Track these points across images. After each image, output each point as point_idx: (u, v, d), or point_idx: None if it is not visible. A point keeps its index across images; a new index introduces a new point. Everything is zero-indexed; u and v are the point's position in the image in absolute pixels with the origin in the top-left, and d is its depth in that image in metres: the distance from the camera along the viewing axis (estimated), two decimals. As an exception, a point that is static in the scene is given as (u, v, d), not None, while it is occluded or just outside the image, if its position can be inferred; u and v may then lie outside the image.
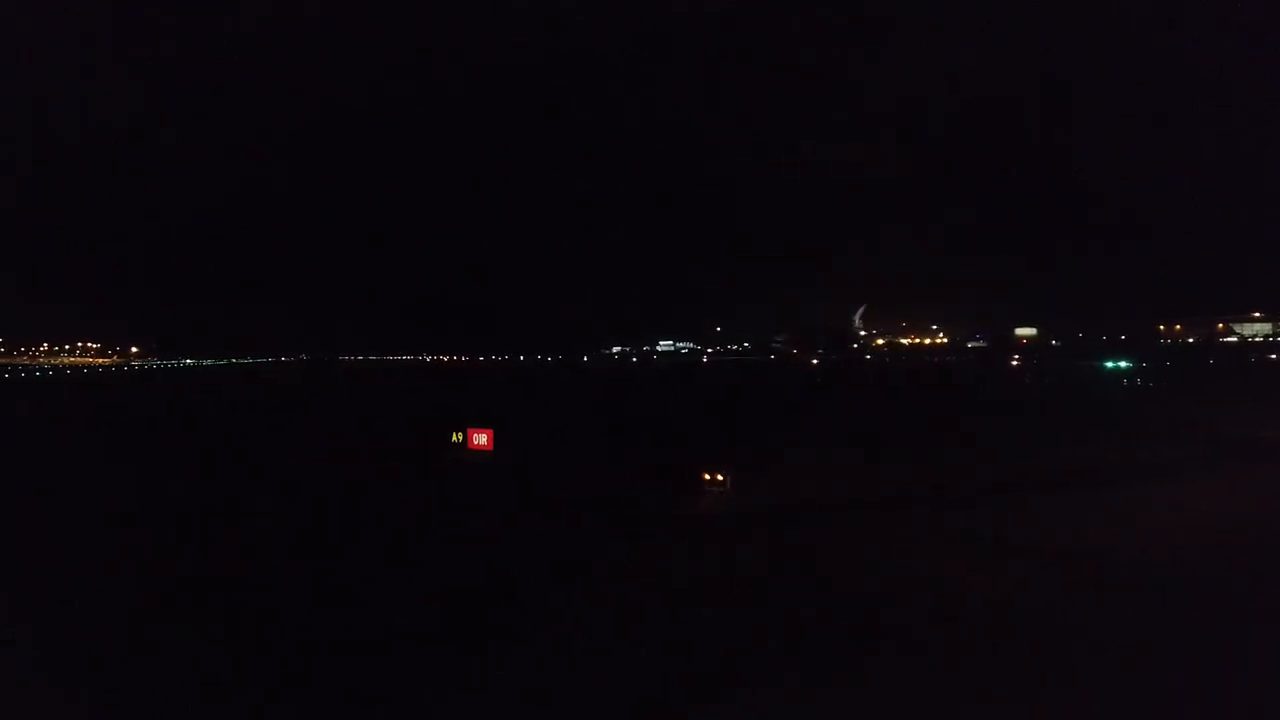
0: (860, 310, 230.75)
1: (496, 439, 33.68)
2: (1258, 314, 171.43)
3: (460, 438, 34.23)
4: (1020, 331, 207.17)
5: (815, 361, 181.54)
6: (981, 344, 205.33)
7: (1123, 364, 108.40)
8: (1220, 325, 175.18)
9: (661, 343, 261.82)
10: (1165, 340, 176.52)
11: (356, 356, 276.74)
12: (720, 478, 26.25)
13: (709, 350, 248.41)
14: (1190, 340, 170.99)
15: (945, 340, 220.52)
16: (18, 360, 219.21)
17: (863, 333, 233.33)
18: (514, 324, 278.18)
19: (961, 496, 25.71)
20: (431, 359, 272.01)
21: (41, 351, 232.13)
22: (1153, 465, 30.35)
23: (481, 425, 34.41)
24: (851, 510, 24.26)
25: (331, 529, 22.59)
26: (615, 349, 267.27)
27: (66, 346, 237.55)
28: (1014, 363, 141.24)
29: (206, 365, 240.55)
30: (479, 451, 33.40)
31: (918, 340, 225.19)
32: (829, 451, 35.77)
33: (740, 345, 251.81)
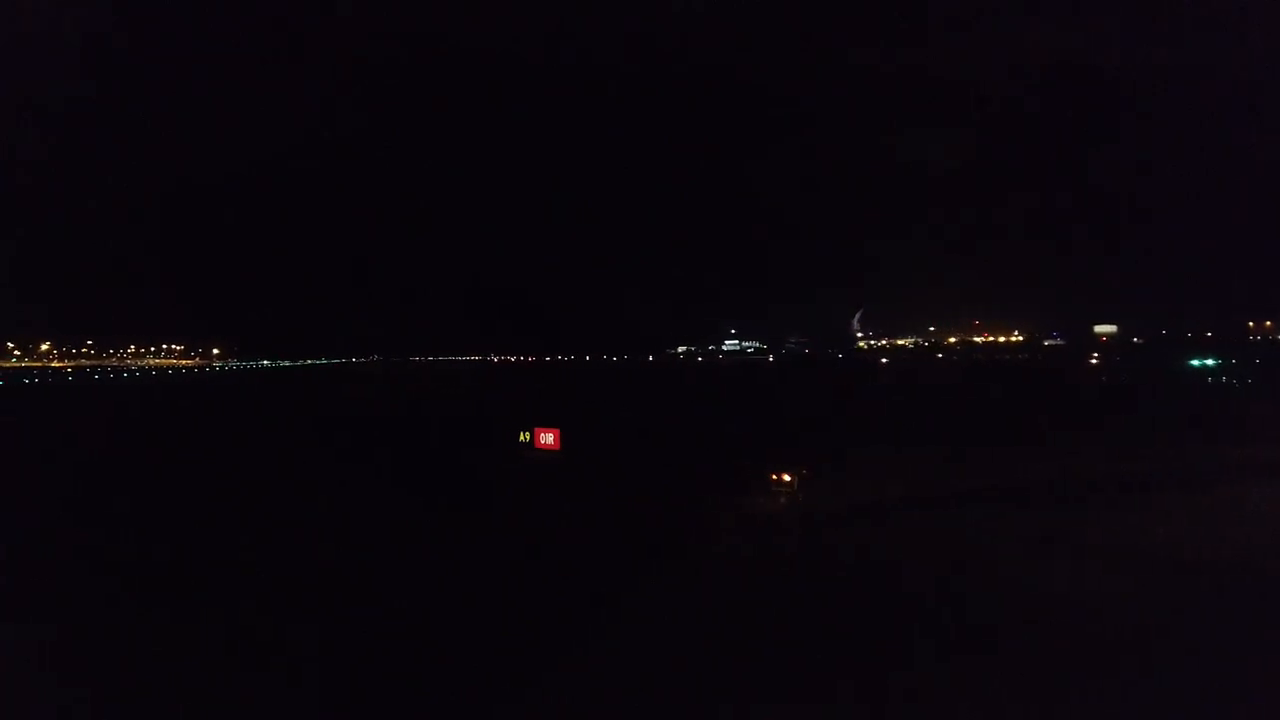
0: (858, 314, 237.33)
1: (563, 438, 33.63)
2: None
3: (527, 437, 34.32)
4: (1100, 329, 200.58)
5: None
6: (1059, 342, 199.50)
7: (1209, 362, 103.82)
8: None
9: (727, 343, 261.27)
10: (1255, 338, 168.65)
11: (427, 357, 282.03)
12: (788, 477, 25.66)
13: (778, 351, 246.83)
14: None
15: (1021, 338, 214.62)
16: (106, 361, 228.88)
17: (859, 334, 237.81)
18: (580, 325, 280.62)
19: (1037, 496, 24.62)
20: (498, 359, 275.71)
21: (128, 353, 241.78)
22: (1238, 467, 28.62)
23: (548, 425, 34.42)
24: (922, 510, 23.45)
25: (413, 526, 22.71)
26: (680, 349, 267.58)
27: (152, 348, 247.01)
28: (1093, 361, 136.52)
29: (284, 366, 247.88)
30: (546, 451, 33.41)
31: (991, 338, 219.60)
32: (898, 450, 34.76)
33: (806, 346, 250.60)
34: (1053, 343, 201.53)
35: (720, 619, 14.43)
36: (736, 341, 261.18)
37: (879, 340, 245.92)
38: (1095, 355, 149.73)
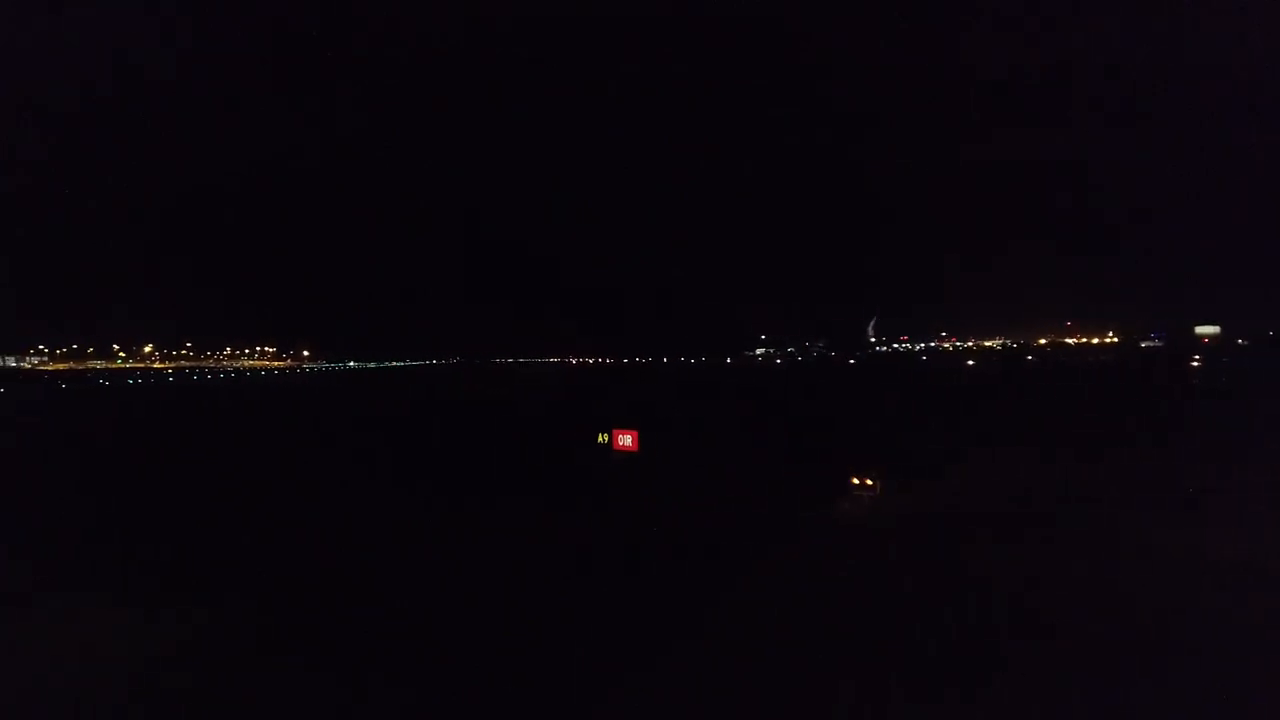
0: (873, 321, 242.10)
1: (641, 440, 33.48)
2: None
3: (605, 438, 34.24)
4: (1201, 329, 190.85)
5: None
6: (1156, 343, 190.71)
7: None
8: None
9: (871, 339, 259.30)
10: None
11: (507, 359, 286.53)
12: (870, 481, 24.99)
13: (856, 352, 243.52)
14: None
15: (1116, 339, 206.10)
16: (204, 363, 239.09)
17: (873, 339, 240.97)
18: (658, 326, 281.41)
19: (1127, 505, 23.31)
20: (577, 361, 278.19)
21: (225, 355, 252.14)
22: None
23: (626, 426, 34.32)
24: (1008, 518, 22.51)
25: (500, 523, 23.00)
26: (759, 351, 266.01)
27: (246, 350, 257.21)
28: (1193, 363, 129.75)
29: (370, 368, 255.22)
30: (624, 452, 33.30)
31: (1084, 340, 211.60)
32: (982, 456, 33.57)
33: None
34: (1150, 344, 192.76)
35: (797, 627, 14.07)
36: (823, 343, 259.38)
37: (964, 341, 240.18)
38: (1197, 357, 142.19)
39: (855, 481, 25.33)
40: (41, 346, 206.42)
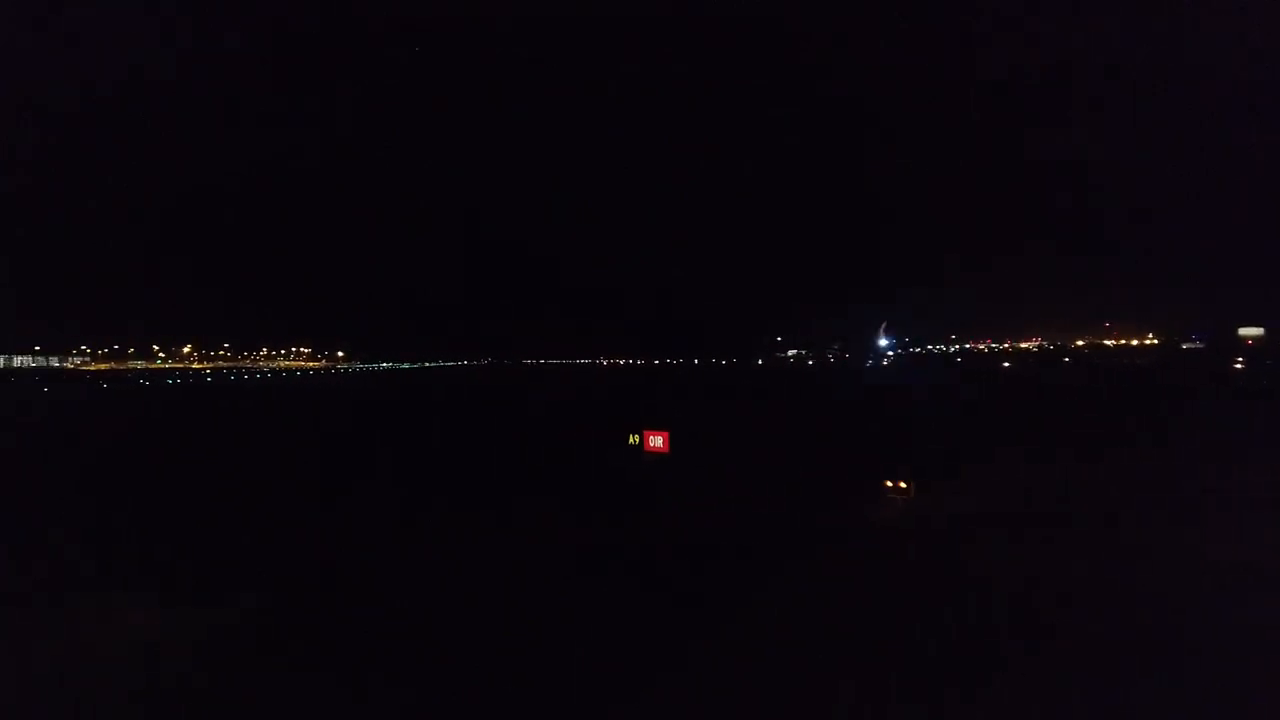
0: (884, 325, 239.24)
1: (672, 441, 33.36)
2: None
3: (636, 440, 34.16)
4: (1245, 331, 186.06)
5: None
6: (1198, 345, 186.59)
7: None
8: None
9: (882, 343, 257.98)
10: None
11: (538, 360, 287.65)
12: (903, 484, 24.65)
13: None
14: None
15: (1155, 341, 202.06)
16: (241, 363, 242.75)
17: (883, 342, 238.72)
18: (689, 327, 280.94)
19: (1156, 512, 22.67)
20: (607, 362, 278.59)
21: (261, 355, 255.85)
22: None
23: (657, 427, 34.21)
24: (1043, 522, 22.04)
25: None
26: (791, 352, 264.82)
27: (282, 351, 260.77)
28: (1236, 365, 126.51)
29: (403, 369, 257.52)
30: (655, 454, 33.20)
31: (1122, 341, 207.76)
32: (1018, 458, 32.97)
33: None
34: (1191, 346, 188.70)
35: (820, 634, 13.84)
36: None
37: (999, 343, 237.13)
38: (1240, 359, 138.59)
39: (888, 484, 25.01)
40: (84, 347, 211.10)
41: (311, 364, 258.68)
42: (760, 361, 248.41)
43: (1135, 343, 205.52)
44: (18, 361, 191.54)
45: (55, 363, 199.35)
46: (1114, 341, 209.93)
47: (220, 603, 15.44)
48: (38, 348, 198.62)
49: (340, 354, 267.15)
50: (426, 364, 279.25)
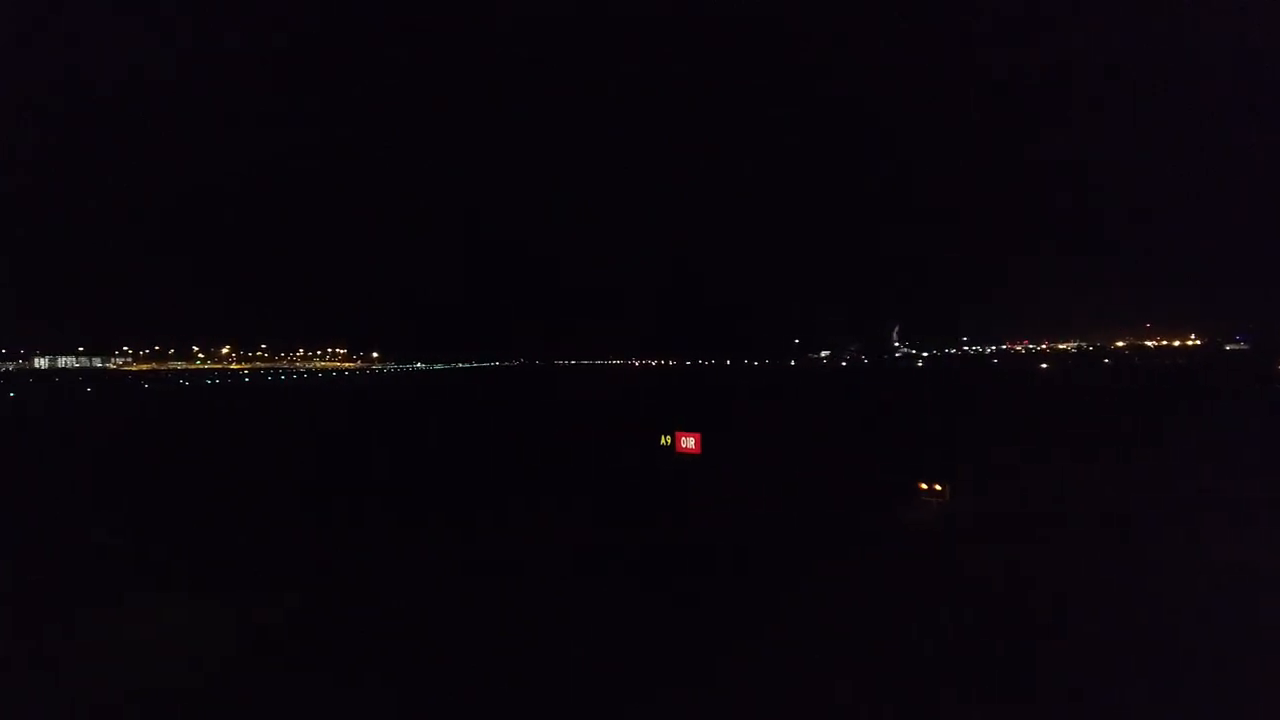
0: (896, 328, 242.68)
1: (704, 443, 33.19)
2: None
3: (669, 441, 34.04)
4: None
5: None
6: (1242, 346, 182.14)
7: None
8: None
9: (895, 344, 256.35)
10: None
11: (570, 361, 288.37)
12: (938, 487, 24.32)
13: (924, 354, 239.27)
14: None
15: (1198, 342, 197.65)
16: (278, 364, 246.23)
17: (896, 343, 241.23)
18: (722, 328, 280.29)
19: (1204, 517, 22.04)
20: (639, 363, 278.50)
21: (298, 356, 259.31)
22: None
23: (689, 429, 34.06)
24: (1079, 524, 21.63)
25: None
26: (824, 353, 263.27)
27: (318, 352, 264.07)
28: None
29: (436, 369, 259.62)
30: (687, 455, 33.06)
31: (1164, 342, 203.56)
32: (1056, 460, 32.37)
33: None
34: (1235, 346, 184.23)
35: (851, 639, 13.66)
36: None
37: (1037, 344, 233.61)
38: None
39: (923, 486, 24.69)
40: (126, 348, 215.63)
41: (347, 364, 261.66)
42: (793, 363, 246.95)
43: (1177, 343, 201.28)
44: (62, 362, 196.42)
45: (98, 363, 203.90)
46: (1155, 342, 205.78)
47: (262, 603, 15.61)
48: (81, 349, 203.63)
49: (375, 355, 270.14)
50: (459, 365, 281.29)
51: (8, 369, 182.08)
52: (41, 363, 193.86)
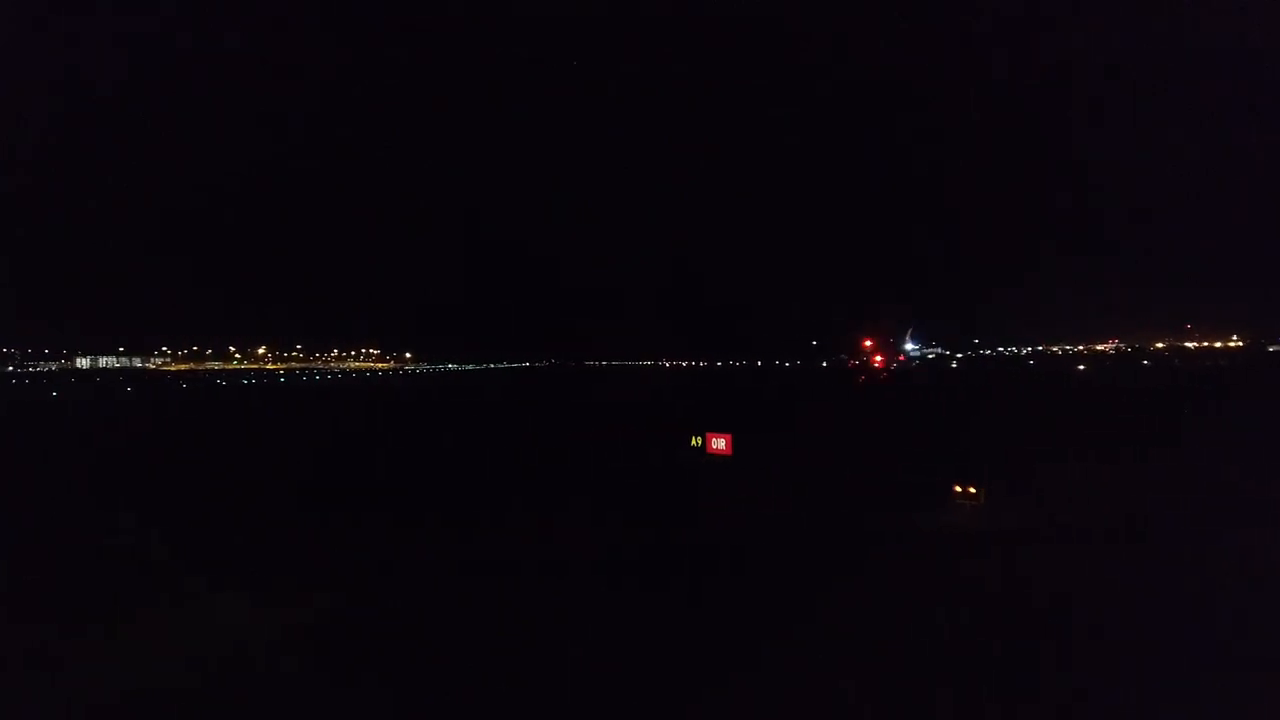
0: (909, 330, 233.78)
1: (735, 444, 32.99)
2: None
3: (699, 442, 33.87)
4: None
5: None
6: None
7: None
8: None
9: (909, 346, 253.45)
10: None
11: (600, 361, 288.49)
12: (972, 490, 23.90)
13: (958, 355, 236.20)
14: None
15: (1241, 343, 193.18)
16: (313, 364, 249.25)
17: (909, 346, 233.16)
18: (754, 328, 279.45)
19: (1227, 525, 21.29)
20: (670, 364, 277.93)
21: (332, 356, 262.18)
22: None
23: (720, 430, 33.87)
24: (1113, 531, 21.07)
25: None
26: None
27: (352, 352, 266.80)
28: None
29: (468, 370, 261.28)
30: (717, 456, 32.89)
31: (1205, 344, 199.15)
32: (1094, 464, 31.61)
33: (997, 349, 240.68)
34: (1279, 348, 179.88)
35: (875, 649, 13.38)
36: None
37: (1074, 345, 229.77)
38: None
39: (957, 489, 24.26)
40: (164, 348, 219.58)
41: (380, 365, 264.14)
42: (825, 364, 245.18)
43: (1219, 344, 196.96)
44: (103, 362, 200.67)
45: (138, 363, 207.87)
46: (1195, 343, 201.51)
47: (303, 602, 15.71)
48: (121, 349, 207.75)
49: (408, 355, 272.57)
50: (491, 365, 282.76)
51: (50, 369, 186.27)
52: (83, 363, 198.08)
